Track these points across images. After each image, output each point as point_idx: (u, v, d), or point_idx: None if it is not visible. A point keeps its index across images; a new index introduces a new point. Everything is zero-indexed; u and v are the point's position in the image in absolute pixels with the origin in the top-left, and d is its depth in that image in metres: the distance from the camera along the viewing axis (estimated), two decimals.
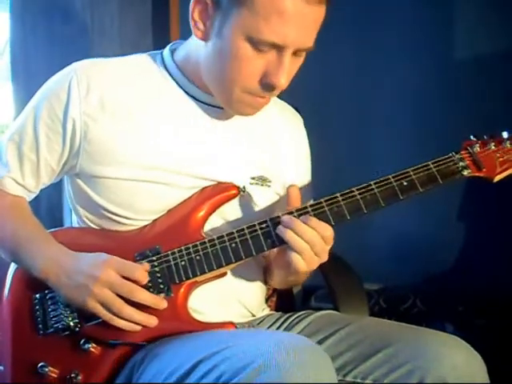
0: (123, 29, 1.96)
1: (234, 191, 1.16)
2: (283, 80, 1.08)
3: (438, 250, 2.25)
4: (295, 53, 1.08)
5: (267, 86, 1.10)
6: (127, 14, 1.97)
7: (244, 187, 1.18)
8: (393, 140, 2.38)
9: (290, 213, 1.11)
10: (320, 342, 1.14)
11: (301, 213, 1.10)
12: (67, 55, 1.84)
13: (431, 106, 2.30)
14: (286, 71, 1.08)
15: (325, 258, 1.10)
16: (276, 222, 1.10)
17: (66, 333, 1.11)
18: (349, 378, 1.11)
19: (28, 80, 1.79)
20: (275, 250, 1.14)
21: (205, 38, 1.12)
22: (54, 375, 1.11)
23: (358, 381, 1.10)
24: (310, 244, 1.07)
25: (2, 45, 2.32)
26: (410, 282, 2.27)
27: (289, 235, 1.07)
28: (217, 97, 1.17)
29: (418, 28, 2.35)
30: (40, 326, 1.13)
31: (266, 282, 1.30)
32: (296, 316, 1.26)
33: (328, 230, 1.08)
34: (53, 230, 1.23)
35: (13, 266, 1.21)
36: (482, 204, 2.15)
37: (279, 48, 1.06)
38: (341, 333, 1.16)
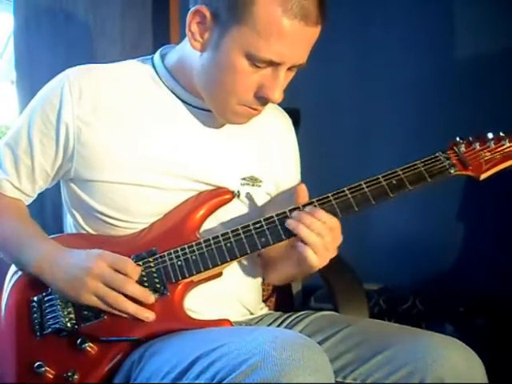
0: (124, 30, 1.97)
1: (228, 196, 1.19)
2: (277, 94, 1.12)
3: (438, 250, 2.25)
4: (289, 68, 1.12)
5: (262, 99, 1.14)
6: (128, 16, 1.98)
7: (238, 192, 1.21)
8: (394, 140, 2.38)
9: (283, 213, 1.13)
10: (319, 343, 1.13)
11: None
12: (70, 56, 1.86)
13: (433, 106, 2.30)
14: (281, 86, 1.12)
15: (334, 252, 1.12)
16: (270, 221, 1.13)
17: (64, 333, 1.12)
18: (349, 380, 1.11)
19: (32, 81, 1.80)
20: (283, 247, 1.16)
21: (201, 49, 1.13)
22: (50, 375, 1.11)
23: (358, 382, 1.10)
24: (320, 236, 1.09)
25: (2, 45, 2.33)
26: (410, 282, 2.27)
27: (300, 228, 1.09)
28: (211, 106, 1.19)
29: (419, 28, 2.35)
30: (37, 327, 1.14)
31: (263, 279, 1.31)
32: (295, 316, 1.27)
33: (334, 222, 1.10)
34: (49, 237, 1.23)
35: (10, 272, 1.22)
36: (482, 204, 2.15)
37: (275, 64, 1.09)
38: (340, 334, 1.16)
